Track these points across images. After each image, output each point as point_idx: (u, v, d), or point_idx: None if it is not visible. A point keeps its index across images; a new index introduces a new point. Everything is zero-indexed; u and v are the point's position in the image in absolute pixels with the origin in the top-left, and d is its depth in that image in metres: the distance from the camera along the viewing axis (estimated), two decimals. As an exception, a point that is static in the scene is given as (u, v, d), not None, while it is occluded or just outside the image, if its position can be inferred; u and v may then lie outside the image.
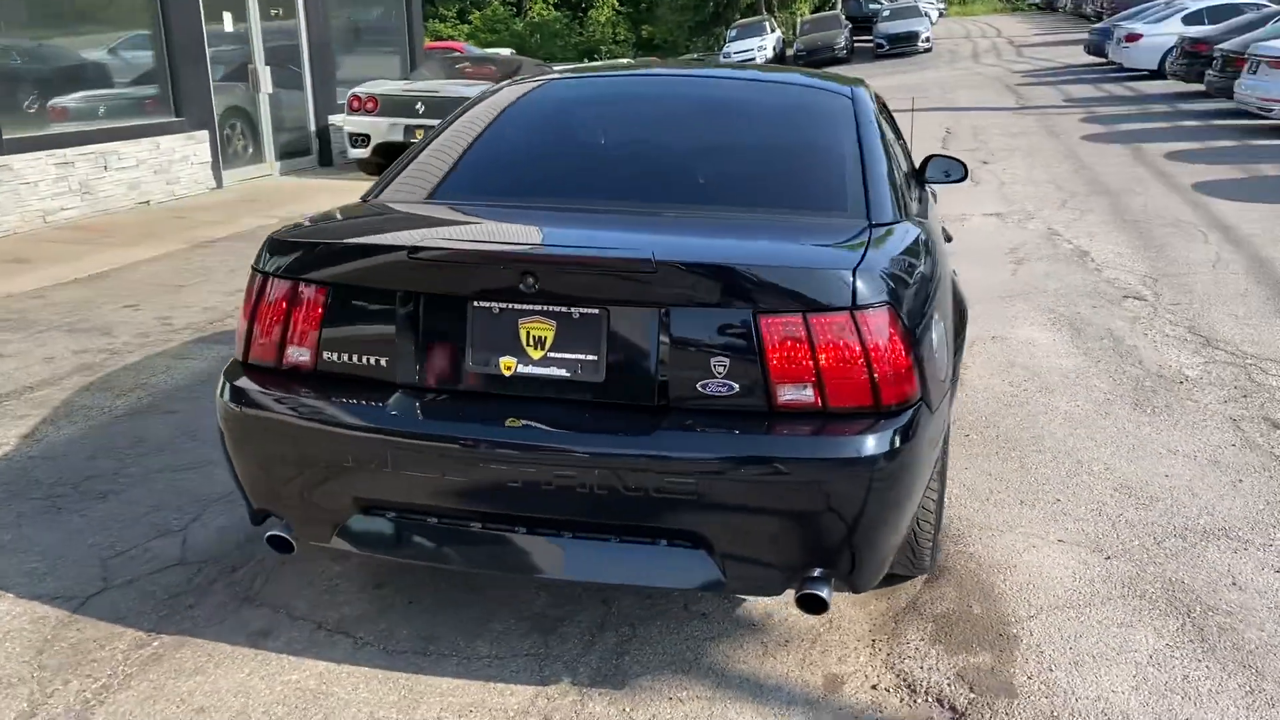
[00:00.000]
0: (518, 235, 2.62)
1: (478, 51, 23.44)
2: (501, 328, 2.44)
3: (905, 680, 2.68)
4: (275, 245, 2.63)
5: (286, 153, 11.88)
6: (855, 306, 2.31)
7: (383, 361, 2.50)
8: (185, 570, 3.17)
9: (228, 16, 11.04)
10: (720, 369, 2.33)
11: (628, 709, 2.55)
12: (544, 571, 2.46)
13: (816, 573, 2.38)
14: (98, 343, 5.50)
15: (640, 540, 2.40)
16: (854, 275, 2.33)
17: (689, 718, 2.53)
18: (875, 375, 2.31)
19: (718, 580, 2.38)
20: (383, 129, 11.00)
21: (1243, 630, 2.86)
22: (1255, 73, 13.67)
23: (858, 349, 2.31)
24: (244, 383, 2.60)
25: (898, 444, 2.31)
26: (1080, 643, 2.81)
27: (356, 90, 11.24)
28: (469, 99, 10.47)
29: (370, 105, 11.03)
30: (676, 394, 2.36)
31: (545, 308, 2.41)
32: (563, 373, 2.43)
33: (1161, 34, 21.99)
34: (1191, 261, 7.12)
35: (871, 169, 2.95)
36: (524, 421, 2.40)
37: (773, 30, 38.89)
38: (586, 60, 43.51)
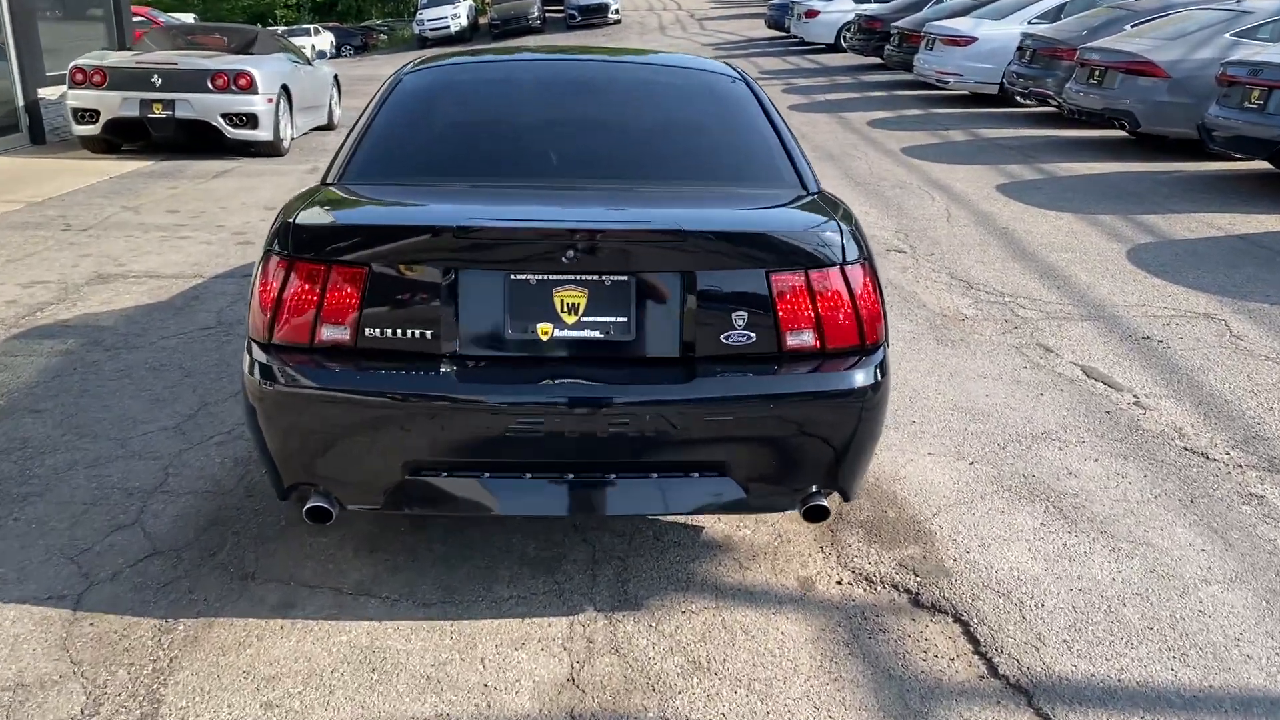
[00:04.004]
0: (544, 213, 2.86)
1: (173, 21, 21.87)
2: (537, 297, 2.71)
3: (861, 574, 3.21)
4: (301, 230, 2.73)
5: (-7, 130, 10.83)
6: (845, 262, 2.78)
7: (426, 334, 2.69)
8: (164, 559, 3.17)
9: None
10: (740, 321, 2.73)
11: (653, 625, 2.92)
12: (593, 510, 2.78)
13: (814, 487, 2.85)
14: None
15: (675, 474, 2.77)
16: (842, 237, 2.80)
17: (706, 626, 2.93)
18: (861, 320, 2.80)
19: (742, 501, 2.80)
20: (114, 104, 10.28)
21: (1090, 506, 3.62)
22: (931, 49, 15.49)
23: (847, 298, 2.78)
24: (276, 363, 2.70)
25: (879, 376, 2.82)
26: (980, 530, 3.46)
27: (80, 62, 10.40)
28: (213, 70, 10.02)
29: (97, 78, 10.26)
30: (702, 346, 2.73)
31: (578, 277, 2.70)
32: (597, 334, 2.74)
33: (837, 11, 24.15)
34: (928, 217, 8.21)
35: (789, 145, 3.42)
36: (566, 379, 2.69)
37: (464, -2, 38.76)
38: (260, 25, 41.45)
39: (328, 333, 2.71)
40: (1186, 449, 4.08)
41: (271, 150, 10.99)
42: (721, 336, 2.74)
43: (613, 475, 2.75)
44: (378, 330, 2.69)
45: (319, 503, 2.75)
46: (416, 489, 2.73)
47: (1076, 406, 4.49)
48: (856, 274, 2.80)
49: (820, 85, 18.25)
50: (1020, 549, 3.35)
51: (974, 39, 14.81)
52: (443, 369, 2.69)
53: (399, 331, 2.69)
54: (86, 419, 4.19)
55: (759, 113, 3.57)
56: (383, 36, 45.66)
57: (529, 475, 2.74)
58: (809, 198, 3.16)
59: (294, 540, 3.27)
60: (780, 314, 2.74)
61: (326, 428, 2.69)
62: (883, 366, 2.84)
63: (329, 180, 3.20)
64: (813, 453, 2.79)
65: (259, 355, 2.74)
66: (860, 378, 2.78)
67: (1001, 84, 14.32)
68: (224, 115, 10.50)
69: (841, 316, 2.78)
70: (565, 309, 2.72)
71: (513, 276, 2.70)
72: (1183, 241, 7.26)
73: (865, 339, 2.82)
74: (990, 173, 9.98)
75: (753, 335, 2.75)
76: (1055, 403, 4.53)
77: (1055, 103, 12.45)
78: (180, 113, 10.38)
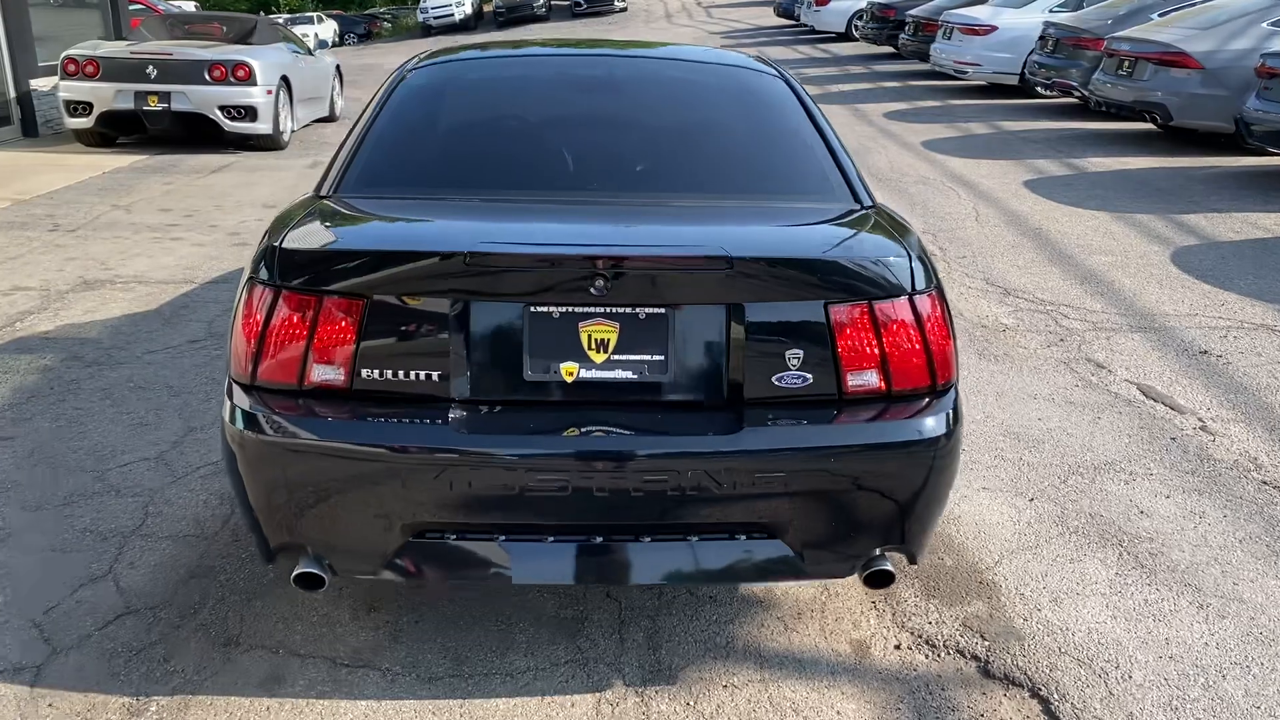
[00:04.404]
0: (568, 234, 2.49)
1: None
2: (561, 332, 2.35)
3: (921, 637, 2.85)
4: (289, 255, 2.37)
5: (-17, 123, 10.46)
6: (913, 291, 2.41)
7: (432, 375, 2.33)
8: (138, 620, 2.81)
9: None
10: (795, 361, 2.36)
11: (691, 703, 2.56)
12: (624, 579, 2.42)
13: (877, 550, 2.49)
14: None
15: (719, 537, 2.40)
16: (910, 261, 2.43)
17: (751, 703, 2.57)
18: (932, 357, 2.43)
19: (796, 568, 2.44)
20: (108, 96, 9.91)
21: (1168, 553, 3.26)
22: (949, 38, 15.07)
23: (916, 332, 2.41)
24: (260, 407, 2.34)
25: (952, 422, 2.45)
26: (1049, 581, 3.10)
27: (72, 52, 10.03)
28: (210, 61, 9.66)
29: (90, 69, 9.89)
30: (751, 389, 2.37)
31: (608, 309, 2.34)
32: (628, 375, 2.37)
33: (848, -1, 23.68)
34: (956, 216, 7.82)
35: (838, 151, 3.05)
36: (593, 428, 2.33)
37: (469, -14, 38.42)
38: (263, 13, 41.04)
39: (319, 373, 2.35)
40: (1265, 483, 3.71)
41: (271, 144, 10.63)
42: (773, 378, 2.37)
43: (647, 539, 2.39)
44: (376, 371, 2.33)
45: (309, 568, 2.39)
46: (420, 554, 2.37)
47: (1138, 432, 4.12)
48: (926, 304, 2.43)
49: (832, 75, 17.84)
50: (1096, 605, 2.99)
51: (994, 28, 14.39)
52: (451, 416, 2.33)
53: (401, 372, 2.33)
54: (60, 448, 3.83)
55: (801, 114, 3.20)
56: (386, 24, 45.24)
57: (550, 539, 2.38)
58: (864, 213, 2.79)
59: (284, 596, 2.92)
60: (840, 351, 2.38)
61: (317, 483, 2.33)
62: (955, 410, 2.48)
63: (323, 191, 2.84)
64: (877, 511, 2.43)
65: (240, 399, 2.38)
66: (931, 424, 2.41)
67: (1022, 74, 13.92)
68: (221, 108, 10.13)
69: (910, 354, 2.42)
70: (593, 346, 2.36)
71: (533, 309, 2.34)
72: (1228, 244, 6.88)
73: (936, 379, 2.45)
74: (1016, 168, 9.59)
75: (809, 376, 2.38)
76: (1114, 427, 4.17)
77: (1079, 94, 12.05)
78: (176, 105, 10.02)
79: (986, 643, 2.82)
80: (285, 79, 10.79)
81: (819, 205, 2.85)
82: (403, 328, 2.33)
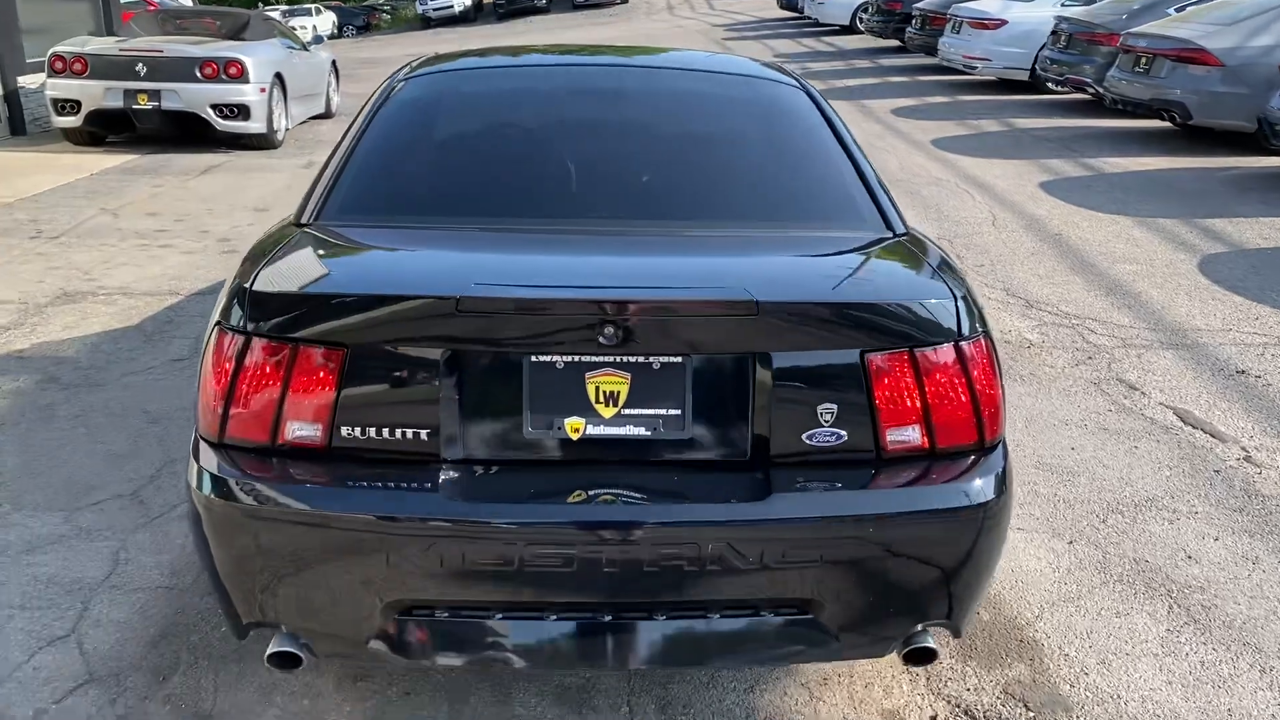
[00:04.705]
0: (574, 273, 2.24)
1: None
2: (565, 384, 2.09)
3: (959, 706, 2.60)
4: (260, 299, 2.11)
5: (-31, 121, 10.19)
6: (960, 337, 2.16)
7: (421, 433, 2.08)
8: (101, 690, 2.56)
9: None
10: (827, 416, 2.11)
11: (709, 789, 2.31)
12: (636, 662, 2.16)
13: (919, 625, 2.24)
14: None
15: (744, 615, 2.15)
16: (955, 303, 2.18)
17: (775, 788, 2.33)
18: (980, 410, 2.18)
19: (830, 648, 2.19)
20: (96, 94, 9.63)
21: (1222, 605, 3.01)
22: (958, 32, 14.78)
23: (963, 383, 2.16)
24: (229, 469, 2.09)
25: (1002, 483, 2.20)
26: (1096, 639, 2.85)
27: (60, 49, 9.75)
28: (201, 59, 9.39)
29: (78, 67, 9.61)
30: (778, 447, 2.12)
31: (618, 358, 2.09)
32: (641, 431, 2.12)
33: (853, -9, 23.37)
34: (972, 221, 7.56)
35: (866, 172, 2.80)
36: (602, 492, 2.08)
37: (469, -21, 38.16)
38: (260, 5, 40.66)
39: (294, 430, 2.09)
40: (1320, 522, 3.46)
41: (264, 143, 10.35)
42: (804, 435, 2.12)
43: (662, 616, 2.14)
44: (358, 428, 2.08)
45: (285, 647, 2.14)
46: (408, 633, 2.12)
47: (1179, 464, 3.86)
48: (973, 352, 2.18)
49: (838, 70, 17.54)
50: (1148, 668, 2.74)
51: (1004, 22, 14.10)
52: (442, 479, 2.08)
53: (385, 430, 2.08)
54: (29, 483, 3.58)
55: (826, 131, 2.94)
56: (386, 16, 44.91)
57: (553, 616, 2.12)
58: (898, 242, 2.54)
59: (262, 662, 2.66)
60: (879, 405, 2.12)
61: (293, 554, 2.07)
62: (1005, 470, 2.23)
63: (303, 219, 2.57)
64: (919, 583, 2.17)
65: (207, 459, 2.12)
66: (980, 486, 2.16)
67: (1033, 70, 13.63)
68: (213, 106, 9.85)
69: (956, 407, 2.16)
70: (601, 399, 2.10)
71: (533, 358, 2.09)
72: (1256, 251, 6.61)
73: (984, 435, 2.20)
74: (1031, 168, 9.32)
75: (843, 433, 2.13)
76: (1153, 458, 3.91)
77: (1092, 91, 11.77)
78: (167, 104, 9.74)
79: (1031, 714, 2.57)
80: (279, 76, 10.51)
81: (847, 234, 2.59)
82: (388, 379, 2.08)
